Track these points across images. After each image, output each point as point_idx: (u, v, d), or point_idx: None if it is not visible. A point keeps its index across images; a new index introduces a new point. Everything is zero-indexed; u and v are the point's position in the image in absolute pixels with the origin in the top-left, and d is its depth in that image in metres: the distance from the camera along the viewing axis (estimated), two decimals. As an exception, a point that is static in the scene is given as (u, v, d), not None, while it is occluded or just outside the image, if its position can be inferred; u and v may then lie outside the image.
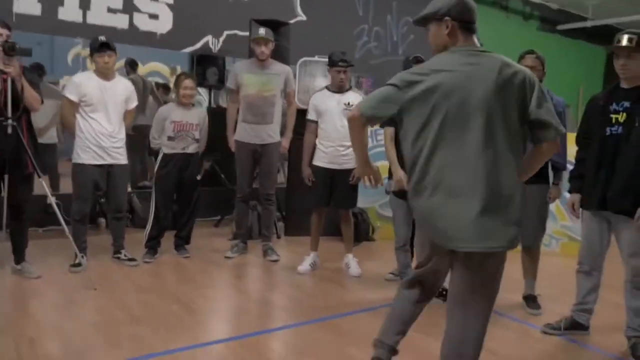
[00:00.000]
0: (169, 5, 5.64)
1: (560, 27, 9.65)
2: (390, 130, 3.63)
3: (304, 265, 4.28)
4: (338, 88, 4.16)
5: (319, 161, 4.19)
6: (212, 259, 4.50)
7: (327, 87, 4.25)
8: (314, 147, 4.24)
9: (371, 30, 7.38)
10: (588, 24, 9.45)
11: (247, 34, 6.23)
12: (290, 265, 4.40)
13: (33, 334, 2.83)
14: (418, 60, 3.53)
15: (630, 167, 2.83)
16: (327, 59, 5.57)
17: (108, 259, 4.23)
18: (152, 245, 4.39)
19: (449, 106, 1.86)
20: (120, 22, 5.36)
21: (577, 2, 9.24)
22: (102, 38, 3.84)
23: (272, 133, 4.50)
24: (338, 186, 4.17)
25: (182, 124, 4.33)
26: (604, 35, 10.50)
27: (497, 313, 3.48)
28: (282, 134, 4.61)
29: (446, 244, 1.92)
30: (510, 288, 3.84)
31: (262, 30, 4.33)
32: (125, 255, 4.19)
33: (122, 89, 4.06)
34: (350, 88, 4.22)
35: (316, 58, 5.52)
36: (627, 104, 2.87)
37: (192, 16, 5.79)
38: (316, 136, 4.24)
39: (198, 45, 5.90)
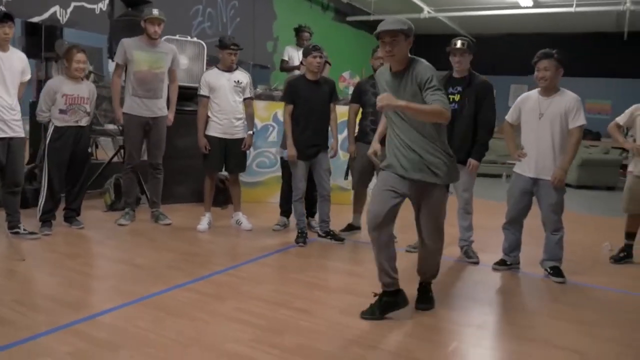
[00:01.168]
0: (15, -30, 5.33)
1: (349, 19, 11.35)
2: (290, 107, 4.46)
3: (203, 224, 4.82)
4: (228, 68, 4.74)
5: (214, 132, 4.74)
6: (107, 227, 4.70)
7: (217, 67, 4.78)
8: (207, 119, 4.77)
9: (205, 11, 7.85)
10: (371, 17, 11.34)
11: (94, 6, 6.23)
12: (183, 227, 4.88)
13: (19, 297, 2.94)
14: (316, 48, 4.38)
15: (463, 131, 4.18)
16: (186, 39, 6.03)
17: (-1, 235, 4.14)
18: (47, 219, 4.40)
19: None
20: (-37, -15, 4.93)
21: (362, -2, 11.02)
22: (3, 8, 3.75)
23: (161, 107, 4.86)
24: (232, 153, 4.79)
25: (74, 97, 4.40)
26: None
27: (368, 244, 4.62)
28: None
29: None
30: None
31: (155, 11, 4.63)
32: (24, 230, 4.15)
33: (17, 60, 4.00)
34: (237, 68, 4.83)
35: (177, 37, 5.87)
36: (459, 88, 4.20)
37: (39, -16, 5.56)
38: (207, 109, 4.76)
39: (46, 15, 5.69)
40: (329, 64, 5.45)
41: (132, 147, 4.83)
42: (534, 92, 3.95)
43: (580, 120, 3.74)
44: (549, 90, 3.82)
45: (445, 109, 2.66)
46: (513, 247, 4.11)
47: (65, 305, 2.88)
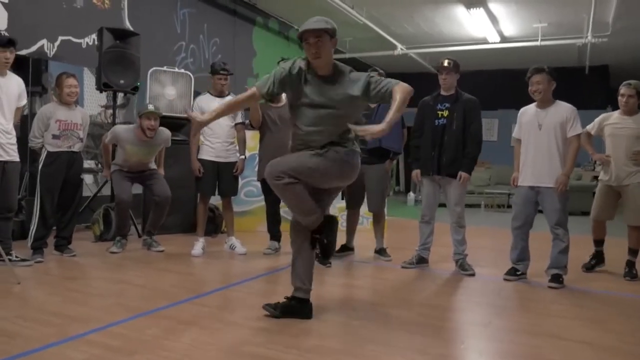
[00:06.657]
0: (3, 4, 5.37)
1: (325, 57, 11.68)
2: None
3: (197, 249, 4.78)
4: (219, 93, 4.83)
5: (207, 155, 4.78)
6: (99, 255, 4.62)
7: (209, 92, 4.87)
8: (200, 143, 4.82)
9: (188, 47, 8.01)
10: (346, 55, 11.68)
11: (80, 41, 6.31)
12: (176, 253, 4.83)
13: (22, 313, 2.86)
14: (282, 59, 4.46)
15: (452, 144, 4.32)
16: (174, 70, 6.13)
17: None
18: (39, 246, 4.31)
19: None
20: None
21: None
22: (7, 34, 3.80)
23: (152, 166, 4.97)
24: (224, 177, 4.83)
25: (67, 123, 4.40)
26: (355, 66, 13.02)
27: (364, 262, 4.67)
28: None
29: None
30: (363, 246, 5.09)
31: (151, 106, 4.66)
32: (16, 257, 4.05)
33: (15, 85, 4.02)
34: (229, 93, 4.92)
35: (165, 68, 5.96)
36: (447, 104, 4.38)
37: (27, 18, 5.61)
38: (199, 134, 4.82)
39: (33, 48, 5.72)
40: None
41: (119, 185, 4.81)
42: (532, 106, 4.14)
43: (577, 129, 3.96)
44: (545, 102, 4.03)
45: (406, 85, 2.71)
46: (522, 257, 4.15)
47: (72, 319, 2.82)
